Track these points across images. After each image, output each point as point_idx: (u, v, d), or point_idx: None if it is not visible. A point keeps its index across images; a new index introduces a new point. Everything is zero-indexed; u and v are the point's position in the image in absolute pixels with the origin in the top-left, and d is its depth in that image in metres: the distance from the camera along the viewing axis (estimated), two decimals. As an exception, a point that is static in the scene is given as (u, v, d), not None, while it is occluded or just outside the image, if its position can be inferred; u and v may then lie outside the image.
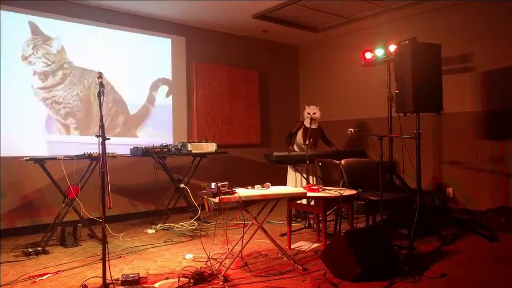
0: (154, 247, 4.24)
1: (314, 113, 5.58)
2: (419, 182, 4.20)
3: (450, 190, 5.68)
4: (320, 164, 4.87)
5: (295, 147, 5.77)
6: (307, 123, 5.60)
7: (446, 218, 5.25)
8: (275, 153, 5.34)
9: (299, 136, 5.72)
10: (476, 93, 5.47)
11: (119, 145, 5.44)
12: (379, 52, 5.53)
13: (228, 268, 3.34)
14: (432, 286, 3.01)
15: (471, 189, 5.47)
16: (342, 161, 4.53)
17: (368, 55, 5.65)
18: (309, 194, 3.83)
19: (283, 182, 5.71)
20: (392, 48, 5.20)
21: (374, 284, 3.03)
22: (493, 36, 5.26)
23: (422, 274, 3.21)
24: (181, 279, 3.13)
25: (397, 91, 4.24)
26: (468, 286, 3.04)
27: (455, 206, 5.63)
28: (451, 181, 5.69)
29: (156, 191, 5.72)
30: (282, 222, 5.18)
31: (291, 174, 5.67)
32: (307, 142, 5.17)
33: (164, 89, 6.26)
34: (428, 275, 3.19)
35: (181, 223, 5.25)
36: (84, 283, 3.09)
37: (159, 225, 5.11)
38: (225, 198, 3.19)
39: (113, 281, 3.02)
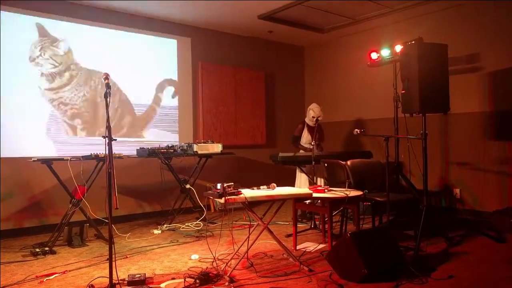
0: (160, 247, 4.26)
1: (319, 116, 5.58)
2: (426, 183, 4.18)
3: (457, 191, 5.64)
4: (326, 165, 4.86)
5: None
6: (310, 122, 5.62)
7: (453, 219, 5.22)
8: (280, 154, 5.35)
9: (306, 135, 5.73)
10: (483, 94, 5.43)
11: (126, 146, 5.47)
12: (385, 52, 5.50)
13: (234, 268, 3.34)
14: (439, 288, 2.99)
15: (479, 190, 5.43)
16: (348, 162, 4.52)
17: (374, 56, 5.62)
18: (315, 195, 3.82)
19: (289, 183, 5.70)
20: (398, 48, 5.17)
21: (380, 286, 3.01)
22: (500, 36, 5.22)
23: (429, 275, 3.19)
24: (187, 279, 3.14)
25: (403, 92, 4.21)
26: (476, 287, 3.02)
27: (462, 207, 5.60)
28: (458, 182, 5.65)
29: (162, 192, 5.74)
30: (288, 223, 5.17)
31: (299, 175, 5.68)
32: (312, 143, 5.17)
33: (170, 90, 6.28)
34: (435, 277, 3.17)
35: (187, 224, 5.27)
36: (90, 283, 3.11)
37: (165, 225, 5.13)
38: (231, 198, 3.19)
39: (120, 281, 3.03)
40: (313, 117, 5.61)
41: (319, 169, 5.28)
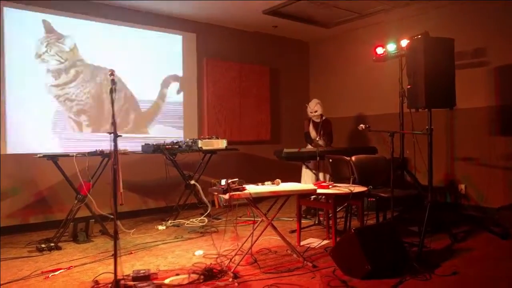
0: (165, 243, 4.28)
1: (316, 111, 5.61)
2: (431, 179, 4.16)
3: (462, 186, 5.61)
4: (330, 160, 4.86)
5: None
6: (314, 118, 5.64)
7: (458, 215, 5.20)
8: (285, 150, 5.34)
9: (311, 131, 5.75)
10: (490, 88, 5.38)
11: (131, 142, 5.49)
12: (391, 47, 5.47)
13: (238, 264, 3.35)
14: (443, 284, 2.99)
15: (484, 186, 5.39)
16: (353, 158, 4.51)
17: (379, 50, 5.59)
18: (319, 191, 3.82)
19: (294, 179, 5.67)
20: (404, 43, 5.15)
21: (384, 282, 3.01)
22: (507, 30, 5.16)
23: (433, 272, 3.18)
24: (191, 275, 3.15)
25: (409, 87, 4.19)
26: (480, 284, 3.01)
27: (467, 203, 5.57)
28: (464, 178, 5.62)
29: (167, 188, 5.76)
30: (291, 219, 5.18)
31: (304, 171, 5.68)
32: (317, 138, 5.17)
33: (175, 85, 6.28)
34: (439, 273, 3.17)
35: (191, 220, 5.28)
36: (95, 279, 3.13)
37: (169, 221, 5.15)
38: (235, 194, 3.20)
39: (124, 277, 3.05)
40: (310, 112, 5.63)
41: (323, 164, 5.27)
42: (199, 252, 3.86)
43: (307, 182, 5.53)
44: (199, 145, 5.26)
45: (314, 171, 5.42)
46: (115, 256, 2.84)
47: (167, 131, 6.13)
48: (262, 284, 3.03)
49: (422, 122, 4.27)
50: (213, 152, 5.52)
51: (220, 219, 5.38)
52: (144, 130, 5.97)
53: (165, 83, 6.19)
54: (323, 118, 5.65)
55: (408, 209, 4.97)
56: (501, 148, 5.25)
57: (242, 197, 3.27)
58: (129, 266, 3.46)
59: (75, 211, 4.40)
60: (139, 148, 5.23)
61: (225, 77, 6.70)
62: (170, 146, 5.15)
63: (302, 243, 4.11)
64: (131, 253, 3.92)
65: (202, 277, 3.10)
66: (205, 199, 5.37)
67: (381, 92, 6.45)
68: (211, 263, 3.45)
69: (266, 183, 3.63)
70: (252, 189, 3.35)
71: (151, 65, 6.03)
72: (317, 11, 6.14)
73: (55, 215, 5.09)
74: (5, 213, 4.81)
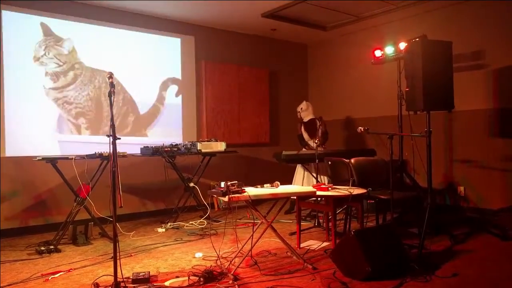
0: (164, 245, 4.27)
1: (301, 108, 5.95)
2: (430, 181, 4.17)
3: (462, 188, 5.62)
4: (329, 163, 4.87)
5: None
6: (303, 115, 5.94)
7: (457, 217, 5.20)
8: (284, 152, 5.36)
9: (303, 133, 5.82)
10: (488, 91, 5.40)
11: (130, 145, 5.47)
12: (389, 50, 5.49)
13: (238, 267, 3.34)
14: (443, 286, 2.99)
15: (483, 187, 5.41)
16: (352, 160, 4.51)
17: (378, 53, 5.61)
18: (318, 193, 3.82)
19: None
20: (402, 45, 5.17)
21: (385, 283, 3.01)
22: (506, 32, 5.19)
23: (433, 273, 3.18)
24: (191, 277, 3.15)
25: (407, 89, 4.20)
26: (480, 286, 3.01)
27: (466, 205, 5.58)
28: (463, 180, 5.63)
29: (166, 190, 5.76)
30: (291, 221, 5.18)
31: (299, 172, 5.70)
32: (316, 141, 5.18)
33: (173, 88, 6.29)
34: (439, 275, 3.17)
35: (191, 222, 5.28)
36: (95, 281, 3.12)
37: (169, 224, 5.14)
38: (234, 197, 3.19)
39: (124, 280, 3.05)
40: (298, 112, 5.96)
41: (322, 166, 5.28)
42: (199, 254, 3.86)
43: (296, 183, 5.58)
44: (198, 148, 5.26)
45: (313, 173, 5.43)
46: (115, 258, 2.83)
47: (166, 133, 6.13)
48: (262, 286, 3.03)
49: (421, 124, 4.28)
50: (212, 154, 5.52)
51: (219, 221, 5.37)
52: (143, 133, 5.98)
53: (164, 86, 6.19)
54: (319, 119, 5.69)
55: (407, 211, 4.97)
56: (500, 150, 5.26)
57: (242, 200, 3.27)
58: (129, 269, 3.45)
59: (74, 213, 4.39)
60: (138, 151, 5.23)
61: (223, 80, 6.71)
62: (169, 149, 5.15)
63: (302, 245, 4.11)
64: (131, 255, 3.91)
65: (202, 279, 3.10)
66: (204, 202, 5.36)
67: (380, 95, 6.47)
68: (211, 265, 3.44)
69: (265, 185, 3.63)
70: (251, 191, 3.35)
71: (150, 68, 6.04)
72: (315, 14, 6.16)
73: (54, 217, 5.08)
74: (4, 215, 4.81)
